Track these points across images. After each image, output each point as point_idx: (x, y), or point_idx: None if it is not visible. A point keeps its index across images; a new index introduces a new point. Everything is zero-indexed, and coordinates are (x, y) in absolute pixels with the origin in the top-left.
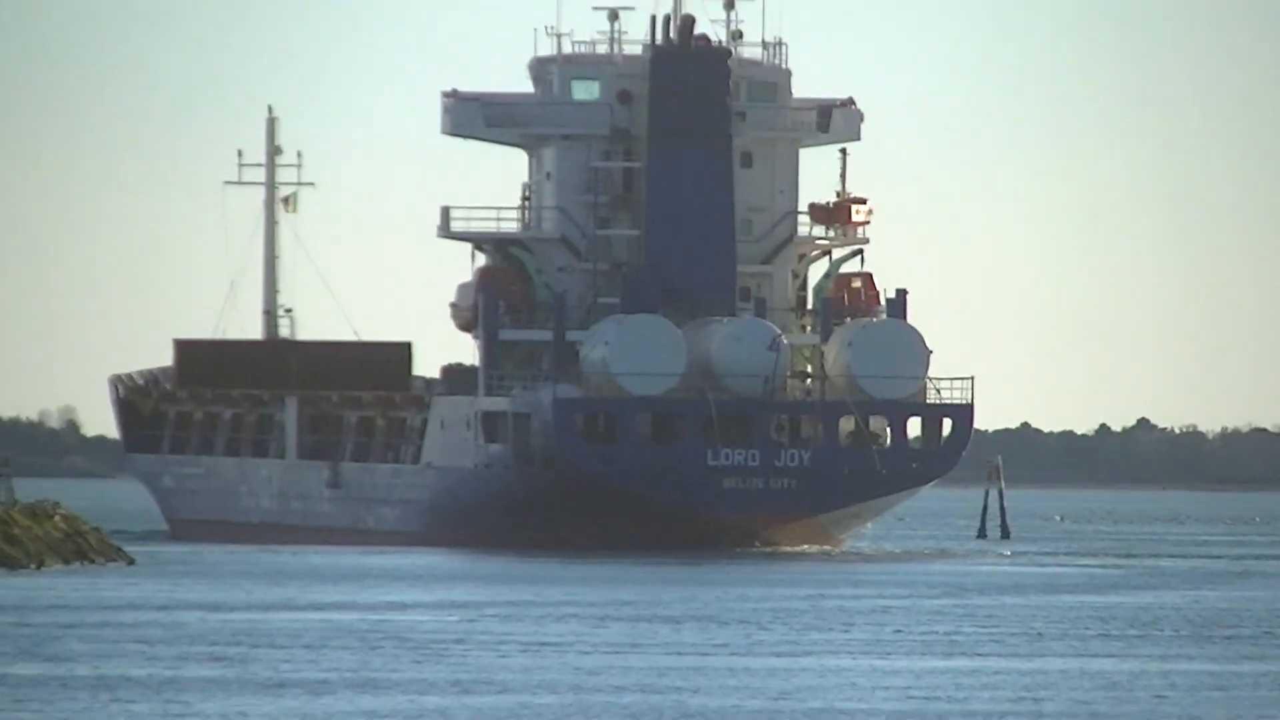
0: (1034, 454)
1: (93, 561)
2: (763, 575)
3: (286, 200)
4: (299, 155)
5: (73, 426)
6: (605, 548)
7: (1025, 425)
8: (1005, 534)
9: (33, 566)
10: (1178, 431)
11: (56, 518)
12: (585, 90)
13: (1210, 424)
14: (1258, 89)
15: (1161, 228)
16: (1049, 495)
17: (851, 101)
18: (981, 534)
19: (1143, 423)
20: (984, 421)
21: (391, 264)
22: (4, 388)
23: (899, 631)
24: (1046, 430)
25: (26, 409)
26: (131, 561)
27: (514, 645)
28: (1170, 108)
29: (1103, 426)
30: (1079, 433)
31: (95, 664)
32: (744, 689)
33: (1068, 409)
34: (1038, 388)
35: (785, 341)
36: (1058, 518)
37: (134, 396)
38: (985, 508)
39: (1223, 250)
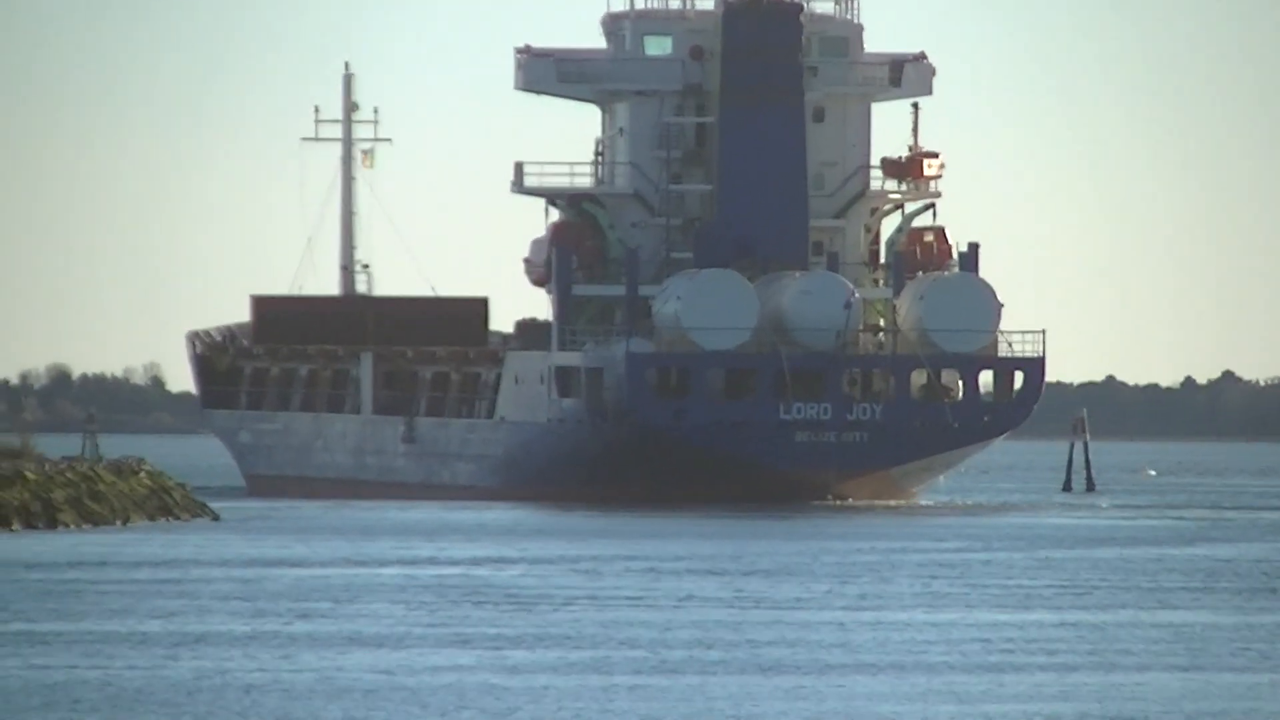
0: (1119, 407)
1: (177, 518)
2: (838, 528)
3: (364, 156)
4: (375, 111)
5: (158, 383)
6: (678, 502)
7: (1110, 378)
8: (1090, 487)
9: (118, 523)
10: (1263, 384)
11: (141, 474)
12: (658, 46)
13: None
14: None
15: (1245, 180)
16: (1134, 448)
17: (923, 56)
18: (1067, 487)
19: (1228, 375)
20: (1068, 374)
21: (468, 220)
22: (90, 345)
23: (974, 586)
24: (1131, 383)
25: (112, 365)
26: (216, 518)
27: (587, 599)
28: (1261, 52)
29: (1188, 379)
30: (1164, 386)
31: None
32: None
33: (1153, 362)
34: (1122, 341)
35: (857, 296)
36: (1151, 471)
37: (211, 353)
38: (1070, 461)
39: None
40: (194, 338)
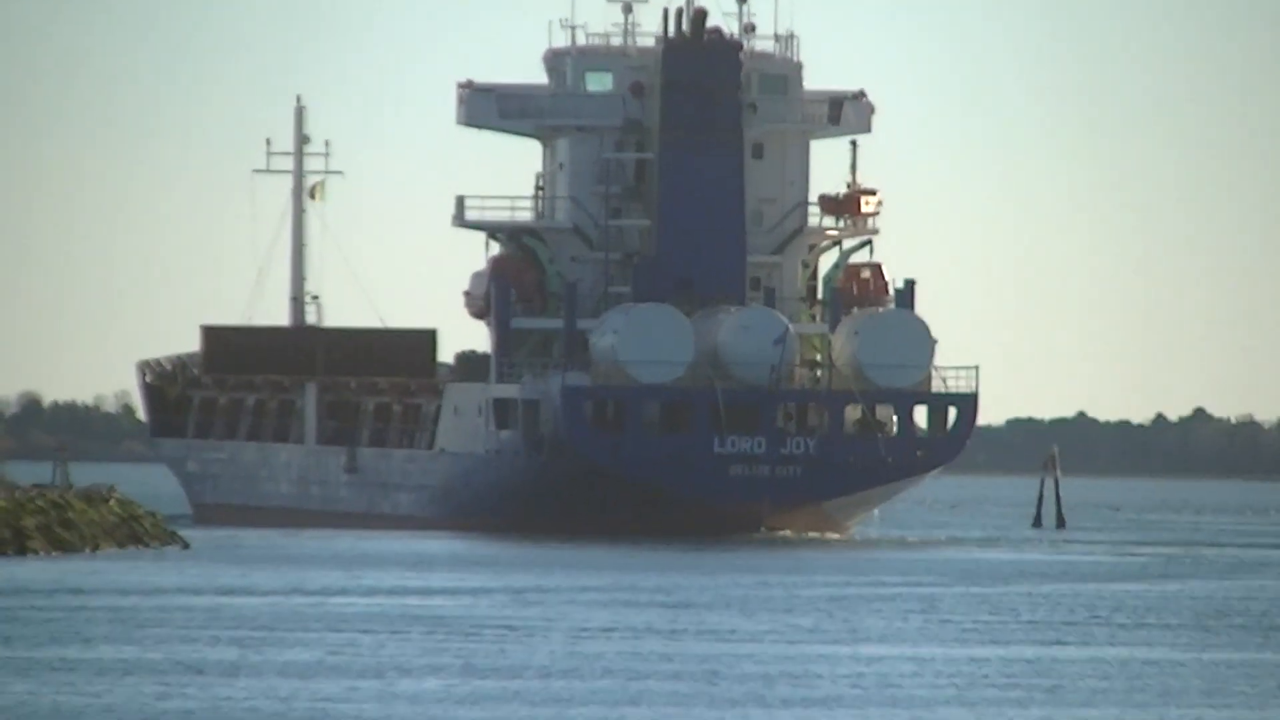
0: (1091, 443)
1: (147, 545)
2: (762, 562)
3: (314, 189)
4: (327, 144)
5: (129, 411)
6: (613, 534)
7: (1082, 414)
8: (1060, 523)
9: (88, 550)
10: (1234, 422)
11: (112, 502)
12: (599, 82)
13: (1268, 414)
14: None
15: (1215, 219)
16: (1105, 484)
17: (863, 94)
18: (1037, 523)
19: (1199, 412)
20: (1041, 410)
21: (416, 252)
22: (61, 373)
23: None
24: (1103, 420)
25: (83, 394)
26: (186, 546)
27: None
28: (1208, 91)
29: (1159, 416)
30: (1135, 422)
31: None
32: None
33: (1125, 399)
34: (1095, 377)
35: (793, 332)
36: (1119, 509)
37: (161, 382)
38: (1041, 497)
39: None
40: (144, 367)
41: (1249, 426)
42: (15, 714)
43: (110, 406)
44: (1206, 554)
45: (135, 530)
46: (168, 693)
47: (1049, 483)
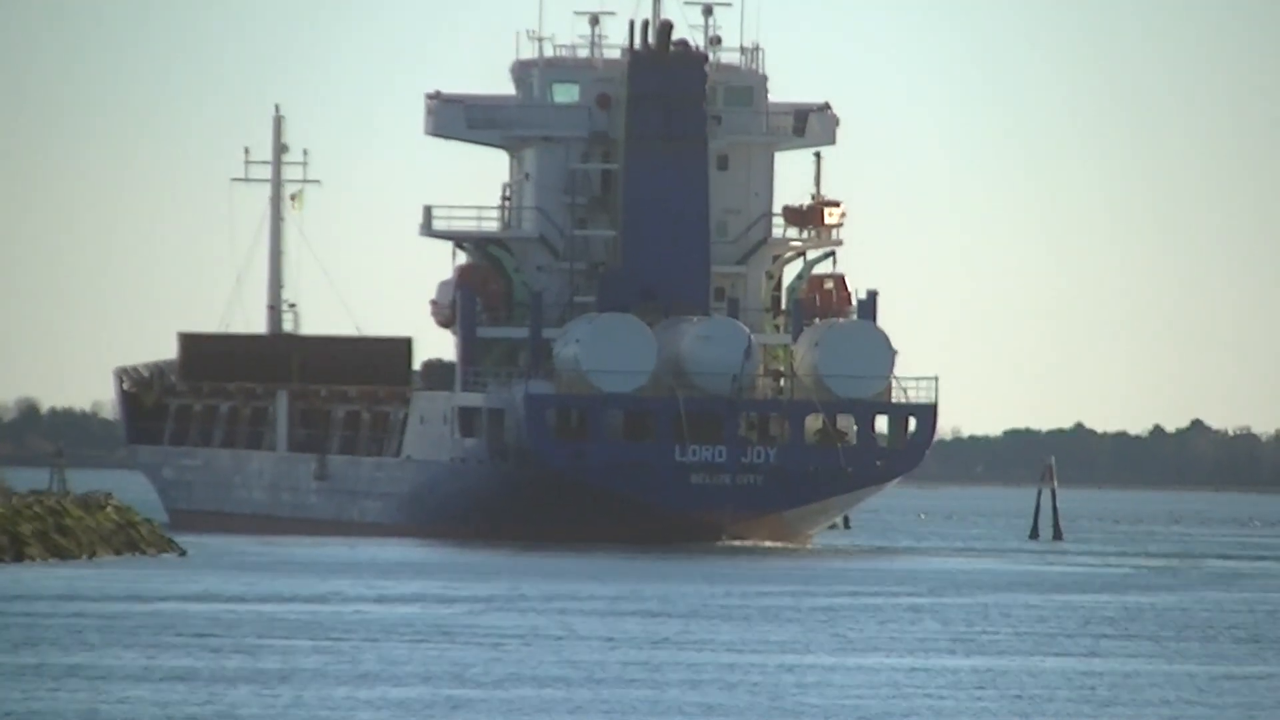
0: (1088, 455)
1: (144, 553)
2: (732, 569)
3: (294, 197)
4: (305, 153)
5: None
6: (576, 541)
7: (1079, 425)
8: (1057, 534)
9: (85, 557)
10: (1232, 433)
11: (109, 509)
12: (565, 93)
13: (1265, 426)
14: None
15: (1207, 226)
16: (1103, 496)
17: (827, 106)
18: (1034, 534)
19: (1196, 424)
20: (1039, 421)
21: (391, 261)
22: (58, 379)
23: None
24: (1100, 431)
25: (80, 400)
26: (183, 553)
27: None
28: (1190, 89)
29: (1156, 428)
30: (1133, 434)
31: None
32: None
33: (1122, 410)
34: (1092, 388)
35: (755, 342)
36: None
37: (137, 389)
38: (1038, 508)
39: (1275, 251)
40: (122, 373)
41: (1246, 438)
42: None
43: (108, 413)
44: (1207, 565)
45: (132, 537)
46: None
47: (1046, 494)
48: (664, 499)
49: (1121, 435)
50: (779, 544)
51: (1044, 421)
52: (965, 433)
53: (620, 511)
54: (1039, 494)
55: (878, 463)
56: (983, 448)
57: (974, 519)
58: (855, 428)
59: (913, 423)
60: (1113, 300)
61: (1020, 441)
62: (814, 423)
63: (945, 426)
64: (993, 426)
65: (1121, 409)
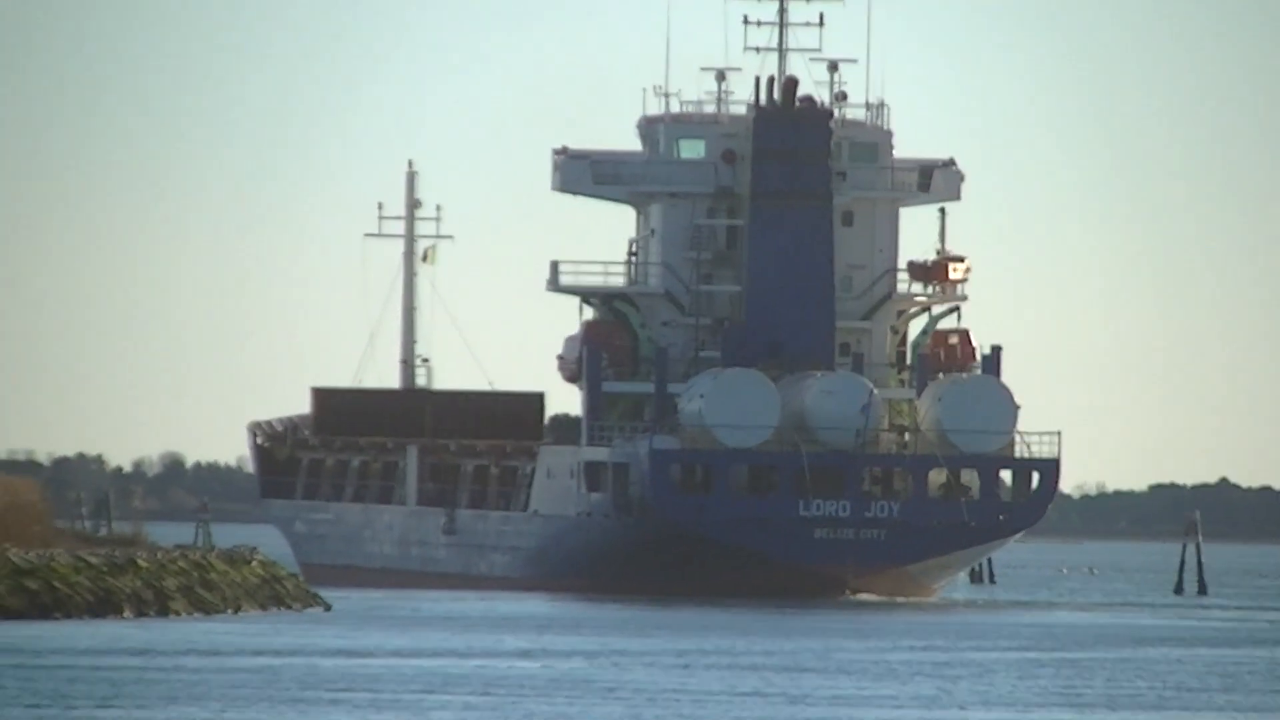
0: (1231, 509)
1: (289, 608)
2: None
3: (427, 252)
4: (438, 209)
5: None
6: (699, 596)
7: (1223, 480)
8: (1202, 589)
9: (230, 611)
10: None
11: (254, 563)
12: (691, 149)
13: None
14: None
15: None
16: (1248, 550)
17: (952, 162)
18: (1179, 589)
19: None
20: (1182, 476)
21: (521, 316)
22: (202, 434)
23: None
24: (1245, 485)
25: (225, 455)
26: (328, 608)
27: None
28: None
29: None
30: (1278, 488)
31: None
32: None
33: (1267, 464)
34: (1236, 442)
35: (877, 396)
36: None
37: (271, 443)
38: (1183, 562)
39: None
40: (255, 428)
41: None
42: None
43: (250, 468)
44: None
45: (277, 592)
46: None
47: (1190, 548)
48: (787, 553)
49: (1266, 489)
50: (906, 597)
51: (1188, 476)
52: (1110, 488)
53: (744, 565)
54: (1184, 548)
55: (1000, 517)
56: (1127, 502)
57: (1125, 573)
58: (979, 482)
59: (1036, 477)
60: (1255, 352)
61: (1164, 496)
62: (937, 477)
63: (1089, 482)
64: (1137, 481)
65: (1266, 463)
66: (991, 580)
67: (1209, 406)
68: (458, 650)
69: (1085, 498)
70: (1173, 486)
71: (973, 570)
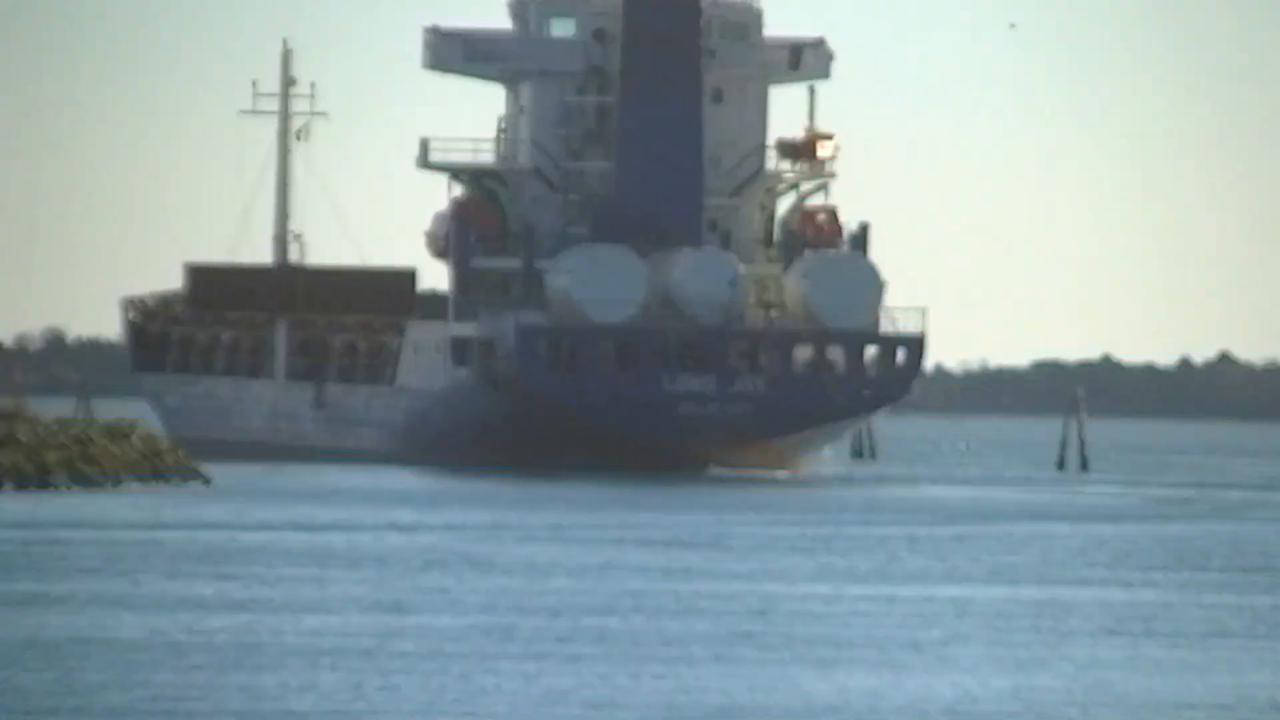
0: (1115, 386)
1: (168, 481)
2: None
3: (300, 130)
4: (312, 86)
5: None
6: (566, 470)
7: (1106, 357)
8: (1084, 465)
9: (110, 485)
10: (1260, 366)
11: (134, 437)
12: (562, 28)
13: None
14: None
15: (1229, 150)
16: (1131, 427)
17: (822, 41)
18: (1061, 465)
19: (1224, 356)
20: (1065, 353)
21: (392, 193)
22: (85, 307)
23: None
24: (1127, 363)
25: (107, 330)
26: (207, 482)
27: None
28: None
29: (1184, 359)
30: (1160, 366)
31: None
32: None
33: (1149, 341)
34: (1120, 319)
35: (744, 272)
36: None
37: (143, 319)
38: (1065, 439)
39: None
40: (128, 304)
41: (1275, 371)
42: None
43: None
44: (1226, 496)
45: (157, 465)
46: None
47: (1073, 425)
48: (653, 428)
49: (1149, 366)
50: (772, 471)
51: (1071, 353)
52: (992, 364)
53: (610, 441)
54: (1065, 425)
55: (865, 392)
56: (1010, 379)
57: (1008, 449)
58: (844, 358)
59: (901, 353)
60: (1138, 229)
61: (1047, 373)
62: (803, 353)
63: (972, 359)
64: (1020, 358)
65: (1149, 339)
66: (873, 456)
67: (1091, 283)
68: (339, 524)
69: (968, 374)
70: (1055, 364)
71: (854, 445)
